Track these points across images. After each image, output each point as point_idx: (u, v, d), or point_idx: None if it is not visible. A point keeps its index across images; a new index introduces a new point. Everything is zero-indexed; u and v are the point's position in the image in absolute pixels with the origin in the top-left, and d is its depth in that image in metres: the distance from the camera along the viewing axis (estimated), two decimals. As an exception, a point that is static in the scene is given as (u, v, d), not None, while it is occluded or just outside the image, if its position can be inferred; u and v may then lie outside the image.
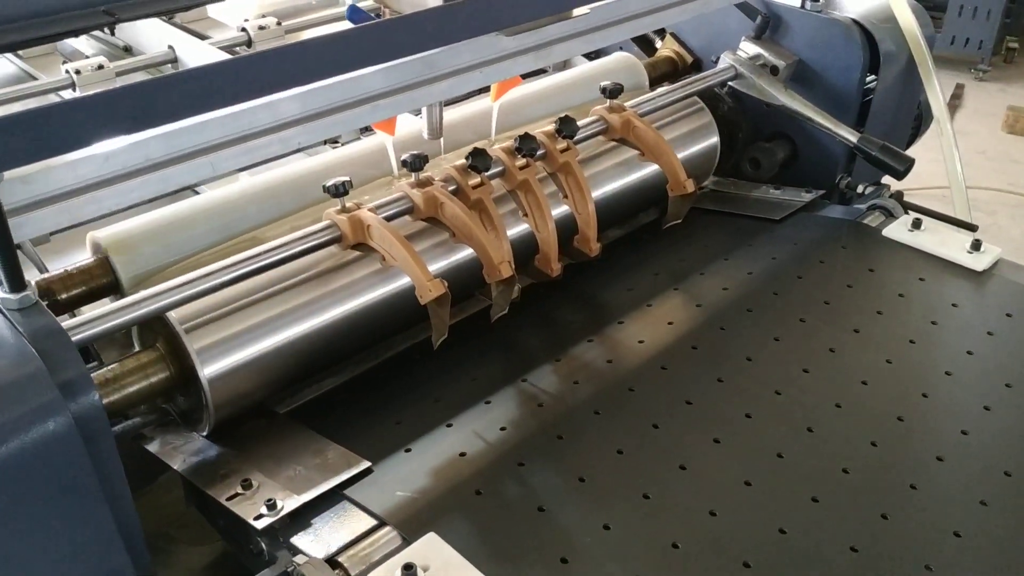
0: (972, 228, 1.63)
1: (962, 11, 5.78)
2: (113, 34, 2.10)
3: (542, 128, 1.43)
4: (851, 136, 1.65)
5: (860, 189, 1.77)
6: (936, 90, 1.82)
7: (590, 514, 1.04)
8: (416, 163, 1.26)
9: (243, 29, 2.10)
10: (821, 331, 1.33)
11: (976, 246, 1.49)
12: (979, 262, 1.47)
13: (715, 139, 1.76)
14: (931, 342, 1.33)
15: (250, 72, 0.96)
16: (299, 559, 0.98)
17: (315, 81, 1.04)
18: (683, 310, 1.44)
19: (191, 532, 1.43)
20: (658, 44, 1.99)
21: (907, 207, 1.64)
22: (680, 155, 1.67)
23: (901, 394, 1.22)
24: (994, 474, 1.08)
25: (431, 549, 0.96)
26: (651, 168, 1.58)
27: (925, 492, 1.06)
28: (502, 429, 1.18)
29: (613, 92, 1.51)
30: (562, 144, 1.42)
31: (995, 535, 1.00)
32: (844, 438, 1.14)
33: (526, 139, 1.36)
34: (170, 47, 2.02)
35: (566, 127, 1.41)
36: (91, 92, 0.89)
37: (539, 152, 1.39)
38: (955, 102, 5.62)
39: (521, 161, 1.37)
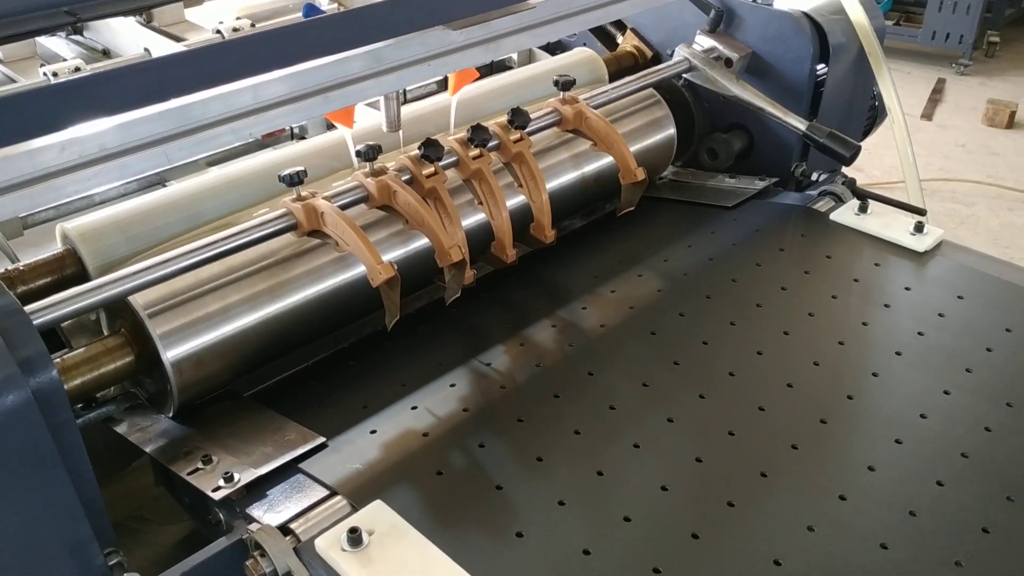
0: (921, 212, 1.68)
1: (942, 6, 5.85)
2: (81, 34, 2.15)
3: (496, 120, 1.48)
4: (800, 124, 1.70)
5: (815, 177, 1.82)
6: (887, 79, 1.87)
7: (546, 490, 1.08)
8: (370, 153, 1.31)
9: (218, 31, 2.15)
10: (776, 314, 1.38)
11: (919, 228, 1.54)
12: (921, 243, 1.52)
13: (672, 131, 1.82)
14: (878, 321, 1.38)
15: (202, 63, 1.02)
16: (253, 527, 1.03)
17: (265, 72, 1.09)
18: (644, 296, 1.49)
19: (162, 514, 1.49)
20: (619, 39, 2.04)
21: (858, 193, 1.69)
22: (637, 147, 1.73)
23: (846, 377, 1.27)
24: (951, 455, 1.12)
25: (378, 515, 1.02)
26: (606, 159, 1.64)
27: (883, 473, 1.10)
28: (464, 411, 1.22)
29: (565, 85, 1.56)
30: (515, 135, 1.48)
31: (949, 513, 1.05)
32: (793, 417, 1.19)
33: (478, 130, 1.42)
34: (146, 49, 2.07)
35: (518, 118, 1.46)
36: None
37: (492, 143, 1.45)
38: (936, 96, 5.68)
39: (475, 151, 1.43)
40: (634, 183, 1.54)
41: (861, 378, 1.26)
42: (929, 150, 5.05)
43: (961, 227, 4.42)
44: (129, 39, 2.15)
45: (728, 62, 1.82)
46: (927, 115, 5.47)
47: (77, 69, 1.97)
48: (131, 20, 2.19)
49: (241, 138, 1.13)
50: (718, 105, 1.87)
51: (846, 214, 1.60)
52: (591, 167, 1.65)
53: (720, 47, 1.82)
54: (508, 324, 1.41)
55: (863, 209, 1.60)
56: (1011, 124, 5.23)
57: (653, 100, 1.81)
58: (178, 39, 2.13)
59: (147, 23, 2.22)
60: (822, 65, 1.81)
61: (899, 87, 6.30)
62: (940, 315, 1.37)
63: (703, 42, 1.84)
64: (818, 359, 1.30)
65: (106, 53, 2.23)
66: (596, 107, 1.61)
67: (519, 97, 1.73)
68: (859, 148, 1.65)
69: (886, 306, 1.40)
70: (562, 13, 1.45)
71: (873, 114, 2.05)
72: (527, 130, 1.49)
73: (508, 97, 1.73)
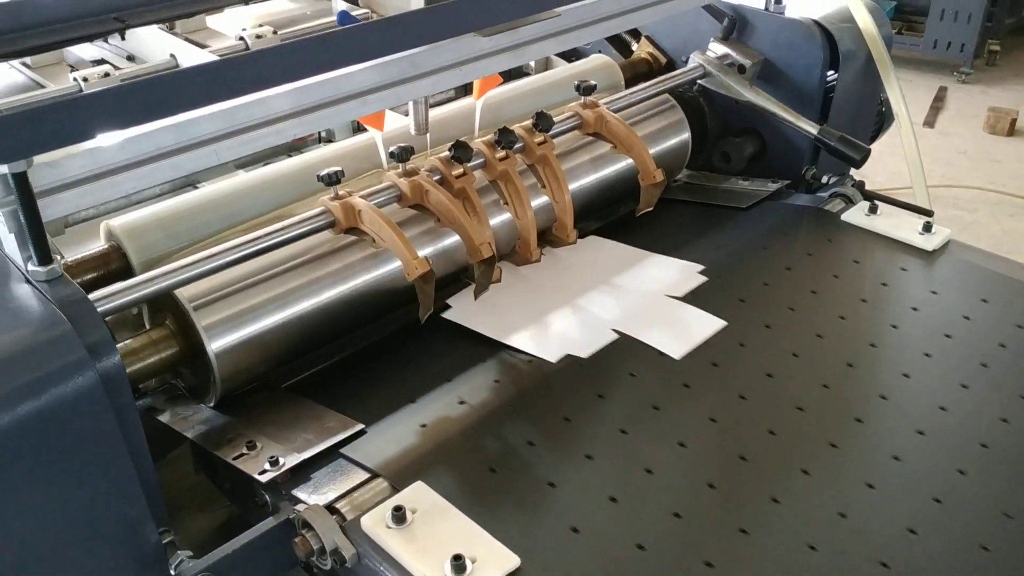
0: (928, 213, 1.74)
1: (944, 15, 5.92)
2: (123, 39, 2.21)
3: (521, 123, 1.54)
4: (811, 128, 1.76)
5: (825, 179, 1.88)
6: (894, 85, 1.93)
7: (596, 487, 1.13)
8: (403, 154, 1.37)
9: (241, 38, 2.21)
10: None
11: (927, 228, 1.60)
12: (930, 243, 1.58)
13: (686, 135, 1.87)
14: (908, 324, 1.43)
15: (254, 67, 1.08)
16: (300, 507, 1.08)
17: (307, 77, 1.15)
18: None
19: (199, 502, 1.54)
20: (634, 47, 2.10)
21: (867, 195, 1.75)
22: (653, 150, 1.78)
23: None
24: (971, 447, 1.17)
25: (420, 495, 1.07)
26: (625, 161, 1.69)
27: (908, 463, 1.15)
28: (508, 406, 1.26)
29: (587, 90, 1.62)
30: (539, 138, 1.54)
31: (972, 499, 1.10)
32: (828, 416, 1.24)
33: (505, 132, 1.48)
34: (172, 55, 2.13)
35: (542, 122, 1.52)
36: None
37: (517, 145, 1.51)
38: (938, 104, 5.74)
39: (501, 153, 1.49)
40: (653, 184, 1.60)
41: (893, 378, 1.31)
42: (931, 157, 5.11)
43: (964, 233, 4.48)
44: (154, 45, 2.21)
45: (741, 68, 1.88)
46: (929, 122, 5.54)
47: (107, 75, 2.03)
48: (155, 27, 2.25)
49: (284, 139, 1.19)
50: (730, 110, 1.92)
51: (857, 215, 1.66)
52: (611, 169, 1.70)
53: (733, 54, 1.88)
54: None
55: (873, 210, 1.66)
56: (1012, 131, 5.30)
57: (669, 105, 1.87)
58: (202, 46, 2.19)
59: (170, 29, 2.27)
60: (832, 72, 1.86)
61: (901, 95, 6.27)
62: (965, 317, 1.41)
63: (717, 49, 1.90)
64: (851, 360, 1.34)
65: (131, 59, 2.29)
66: (615, 111, 1.67)
67: (539, 102, 1.78)
68: (869, 151, 1.71)
69: (914, 309, 1.44)
70: (584, 21, 1.51)
71: (880, 119, 2.11)
72: (550, 133, 1.55)
73: (528, 102, 1.79)
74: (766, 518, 1.07)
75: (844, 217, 1.66)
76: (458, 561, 0.97)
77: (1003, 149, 5.19)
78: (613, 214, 1.78)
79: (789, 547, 1.03)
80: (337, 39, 1.21)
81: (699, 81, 1.89)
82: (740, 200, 1.80)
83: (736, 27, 1.90)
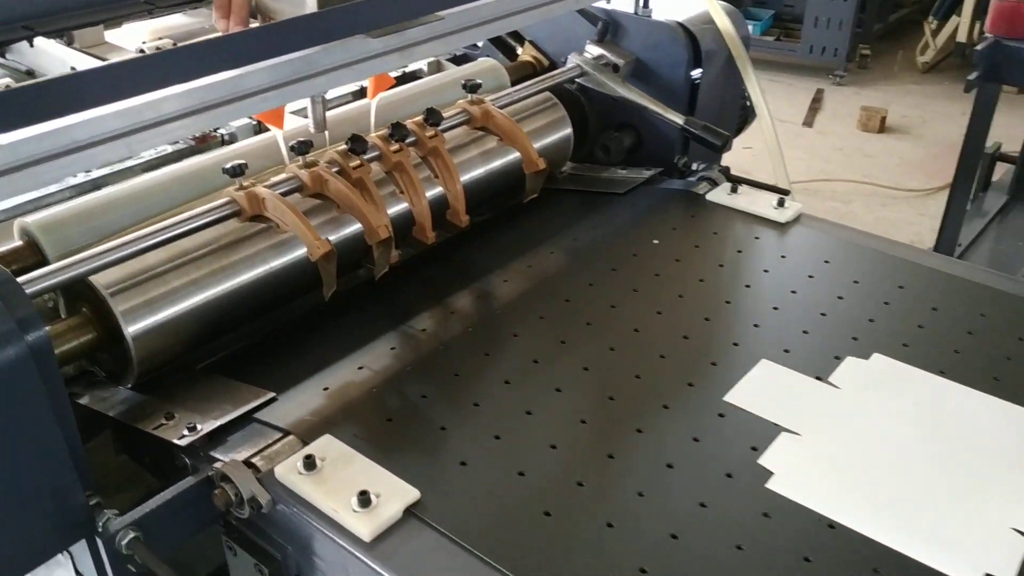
0: (785, 192, 1.94)
1: (817, 22, 6.31)
2: (3, 56, 2.24)
3: (413, 119, 1.68)
4: (678, 119, 1.94)
5: (695, 167, 2.07)
6: (752, 80, 2.13)
7: (484, 429, 1.27)
8: (302, 148, 1.49)
9: (140, 51, 2.28)
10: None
11: (781, 203, 1.80)
12: (783, 215, 1.77)
13: (569, 130, 2.04)
14: (758, 283, 1.62)
15: (158, 67, 1.19)
16: (217, 464, 1.19)
17: (213, 74, 1.26)
18: (556, 269, 1.70)
19: (120, 484, 1.61)
20: (519, 51, 2.26)
21: (731, 178, 1.94)
22: (539, 144, 1.94)
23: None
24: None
25: (327, 445, 1.19)
26: (513, 154, 1.84)
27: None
28: (405, 368, 1.39)
29: (472, 88, 1.77)
30: (430, 132, 1.67)
31: None
32: (688, 362, 1.41)
33: (397, 127, 1.61)
34: (73, 68, 2.19)
35: (432, 116, 1.66)
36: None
37: (411, 139, 1.64)
38: (816, 105, 6.12)
39: (395, 146, 1.62)
40: (536, 171, 1.76)
41: (745, 328, 1.49)
42: (810, 154, 5.45)
43: (841, 222, 4.82)
44: (55, 58, 2.26)
45: (615, 68, 2.05)
46: (808, 123, 5.90)
47: (7, 87, 2.08)
48: (53, 42, 2.30)
49: (191, 132, 1.29)
50: (609, 106, 2.10)
51: (720, 195, 1.85)
52: (499, 161, 1.85)
53: (608, 55, 2.06)
54: (435, 296, 1.59)
55: (734, 190, 1.85)
56: (882, 128, 5.69)
57: (551, 103, 2.03)
58: (102, 59, 2.26)
59: (69, 44, 2.33)
60: (697, 70, 2.06)
61: (782, 98, 6.82)
62: (810, 276, 1.61)
63: (592, 51, 2.07)
64: (709, 315, 1.52)
65: (30, 74, 2.34)
66: (500, 108, 1.82)
67: (431, 102, 1.91)
68: (729, 137, 1.90)
69: (765, 271, 1.64)
70: (466, 24, 1.65)
71: (744, 114, 2.32)
72: (441, 127, 1.69)
73: (421, 102, 1.91)
74: (631, 445, 1.23)
75: (708, 197, 1.85)
76: (364, 496, 1.09)
77: (875, 145, 5.57)
78: (504, 203, 1.93)
79: (650, 467, 1.19)
80: (241, 38, 1.33)
81: (578, 80, 2.06)
82: (618, 187, 1.97)
83: (609, 30, 2.08)
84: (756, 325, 1.47)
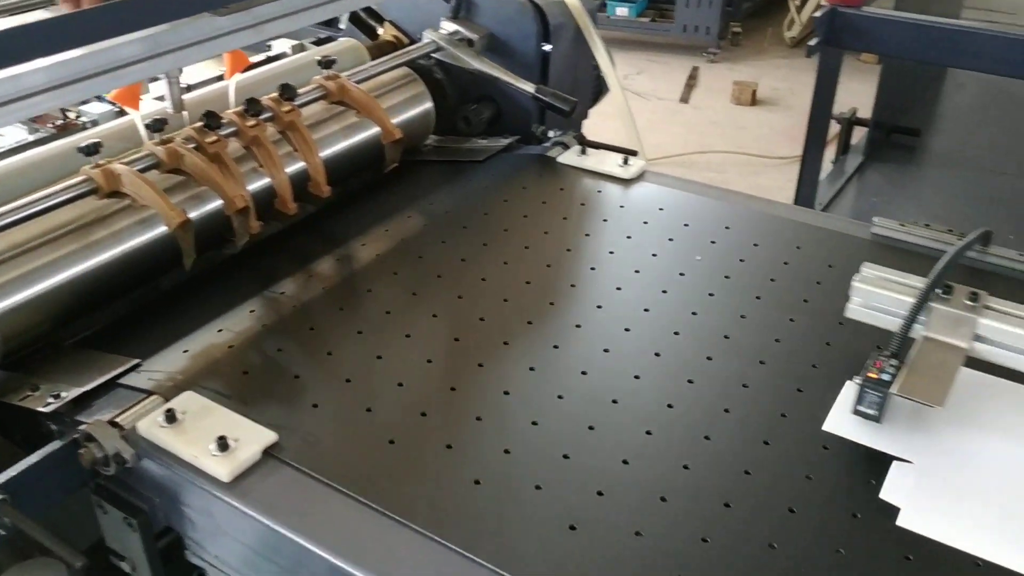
0: (633, 153, 2.07)
1: (689, 2, 6.54)
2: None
3: (268, 96, 1.74)
4: (529, 88, 2.06)
5: (551, 135, 2.18)
6: (600, 52, 2.26)
7: (336, 374, 1.35)
8: (157, 125, 1.54)
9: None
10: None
11: (626, 161, 1.93)
12: (627, 172, 1.91)
13: (429, 104, 2.13)
14: (598, 232, 1.74)
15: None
16: (83, 426, 1.24)
17: (59, 52, 1.30)
18: (413, 231, 1.79)
19: None
20: (380, 31, 2.34)
21: (582, 141, 2.07)
22: (400, 118, 2.03)
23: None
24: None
25: (187, 400, 1.25)
26: (374, 128, 1.92)
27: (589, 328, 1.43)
28: (262, 326, 1.46)
29: (327, 64, 1.84)
30: (286, 107, 1.74)
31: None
32: (529, 304, 1.51)
33: (252, 103, 1.67)
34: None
35: (287, 91, 1.73)
36: None
37: (266, 114, 1.70)
38: (692, 82, 6.35)
39: (252, 121, 1.68)
40: (394, 141, 1.84)
41: (583, 272, 1.62)
42: (687, 129, 5.67)
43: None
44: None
45: (470, 42, 2.15)
46: (684, 99, 6.13)
47: None
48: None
49: (42, 110, 1.33)
50: (468, 81, 2.19)
51: (570, 156, 1.97)
52: (361, 135, 1.93)
53: (463, 30, 2.15)
54: (298, 262, 1.65)
55: (583, 152, 1.98)
56: (754, 101, 5.96)
57: (411, 79, 2.12)
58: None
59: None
60: (548, 44, 2.17)
61: (660, 77, 7.03)
62: (644, 222, 1.75)
63: (447, 27, 2.16)
64: (550, 263, 1.64)
65: None
66: (357, 83, 1.89)
67: (290, 81, 1.98)
68: (576, 102, 2.02)
69: (604, 220, 1.77)
70: (316, 2, 1.72)
71: (599, 84, 2.44)
72: (297, 103, 1.76)
73: (280, 81, 1.97)
74: (472, 378, 1.34)
75: (559, 159, 1.97)
76: (222, 440, 1.17)
77: (747, 117, 5.83)
78: (368, 174, 2.01)
79: (490, 395, 1.30)
80: (87, 16, 1.37)
81: (435, 55, 2.15)
82: (477, 155, 2.07)
83: (462, 6, 2.17)
84: (592, 268, 1.60)
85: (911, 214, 1.66)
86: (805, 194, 3.40)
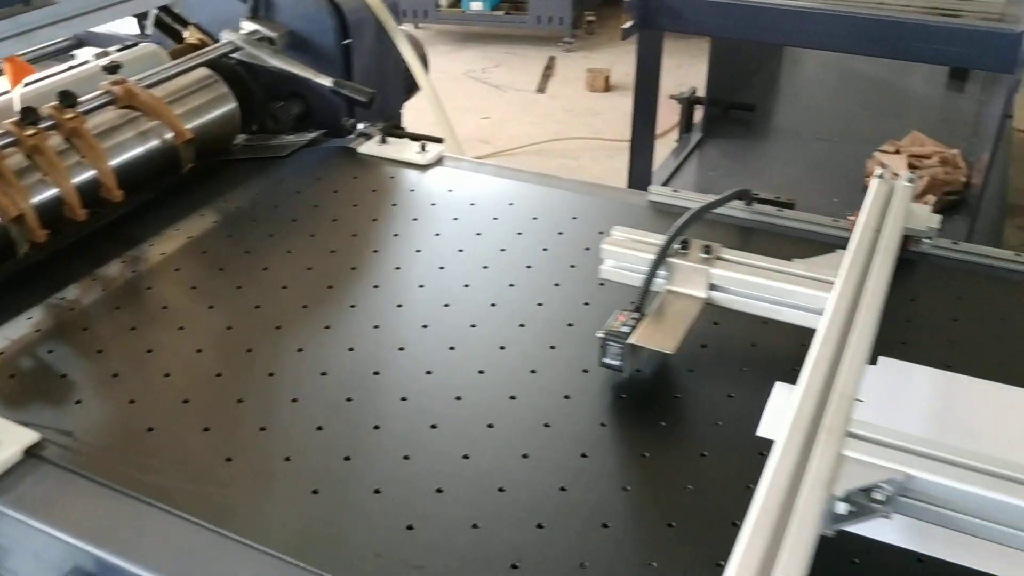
0: (439, 141, 2.14)
1: (541, -7, 6.67)
2: None
3: (49, 104, 1.73)
4: (328, 82, 2.10)
5: (360, 127, 2.23)
6: (403, 45, 2.32)
7: (99, 372, 1.37)
8: (-79, 138, 1.52)
9: None
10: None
11: (423, 148, 1.99)
12: (424, 158, 1.97)
13: (233, 104, 2.14)
14: (386, 216, 1.80)
15: None
16: None
17: None
18: (202, 228, 1.81)
19: None
20: (185, 34, 2.34)
21: (385, 131, 2.12)
22: (203, 119, 2.04)
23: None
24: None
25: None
26: (169, 131, 1.93)
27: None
28: (38, 332, 1.48)
29: (111, 69, 1.85)
30: (69, 114, 1.73)
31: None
32: (329, 303, 1.56)
33: (27, 111, 1.67)
34: None
35: (66, 99, 1.73)
36: None
37: (46, 123, 1.70)
38: (548, 72, 6.49)
39: (30, 130, 1.67)
40: (185, 141, 1.86)
41: (366, 255, 1.68)
42: (543, 118, 5.80)
43: (572, 175, 5.19)
44: None
45: (271, 41, 2.18)
46: (541, 89, 6.26)
47: None
48: None
49: None
50: (275, 79, 2.22)
51: (370, 147, 2.03)
52: (155, 137, 1.94)
53: (262, 29, 2.18)
54: (87, 267, 1.66)
55: (384, 141, 2.04)
56: (607, 88, 6.13)
57: (213, 80, 2.13)
58: None
59: None
60: (348, 39, 2.21)
61: (517, 68, 7.15)
62: (432, 204, 1.81)
63: (247, 26, 2.19)
64: (335, 249, 1.69)
65: None
66: (149, 86, 1.90)
67: (82, 89, 1.97)
68: (373, 93, 2.08)
69: (394, 205, 1.83)
70: (88, 8, 1.73)
71: (411, 78, 2.50)
72: (82, 110, 1.76)
73: (75, 90, 1.97)
74: (291, 363, 1.39)
75: (360, 149, 2.02)
76: (-24, 440, 1.18)
77: (601, 103, 6.00)
78: (170, 177, 2.02)
79: (306, 376, 1.35)
80: None
81: (235, 55, 2.17)
82: (281, 151, 2.11)
83: (260, 5, 2.20)
84: (375, 251, 1.66)
85: (747, 184, 1.76)
86: (638, 175, 3.54)
